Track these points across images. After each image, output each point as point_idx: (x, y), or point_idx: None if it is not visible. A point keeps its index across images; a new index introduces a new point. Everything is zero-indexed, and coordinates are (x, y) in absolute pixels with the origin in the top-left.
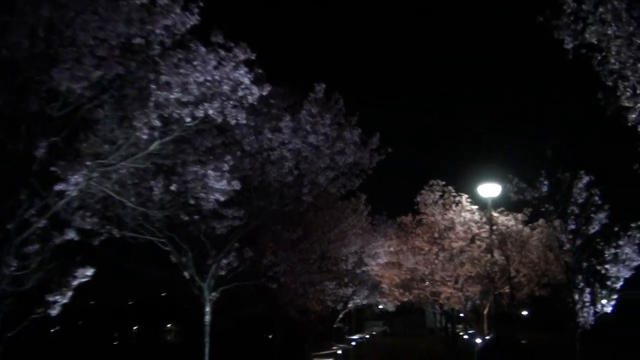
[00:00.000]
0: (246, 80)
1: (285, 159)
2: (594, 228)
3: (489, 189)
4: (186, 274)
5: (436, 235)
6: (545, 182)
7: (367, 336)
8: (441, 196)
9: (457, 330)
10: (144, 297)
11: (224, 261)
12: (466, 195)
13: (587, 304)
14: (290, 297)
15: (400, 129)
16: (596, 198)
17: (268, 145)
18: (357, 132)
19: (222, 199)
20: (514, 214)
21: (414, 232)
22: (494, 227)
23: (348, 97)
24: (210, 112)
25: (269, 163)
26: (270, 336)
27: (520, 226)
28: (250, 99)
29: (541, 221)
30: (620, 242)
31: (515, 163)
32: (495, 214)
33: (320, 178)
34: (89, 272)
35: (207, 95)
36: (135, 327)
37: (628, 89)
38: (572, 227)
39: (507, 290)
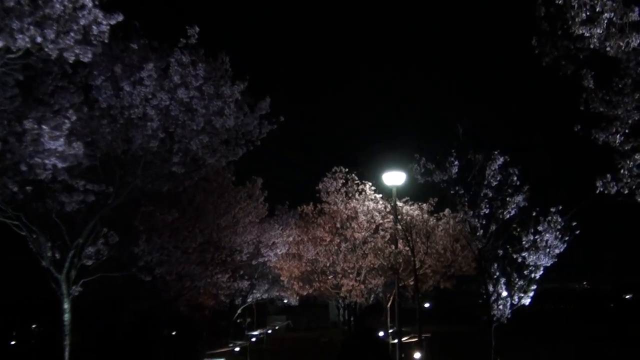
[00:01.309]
0: (87, 2)
1: (149, 119)
2: (509, 213)
3: (394, 177)
4: (44, 263)
5: (338, 225)
6: (456, 163)
7: (269, 331)
8: (344, 184)
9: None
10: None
11: (90, 249)
12: (370, 184)
13: (503, 295)
14: (176, 291)
15: (305, 114)
16: (514, 178)
17: (130, 103)
18: (238, 88)
19: (61, 165)
20: (419, 203)
21: (315, 222)
22: (399, 217)
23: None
24: (39, 39)
25: (133, 127)
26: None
27: (425, 216)
28: (96, 30)
29: (447, 211)
30: (540, 228)
31: (423, 142)
32: (399, 204)
33: (193, 144)
34: None
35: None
36: (34, 326)
37: (586, 10)
38: (486, 211)
39: (412, 283)
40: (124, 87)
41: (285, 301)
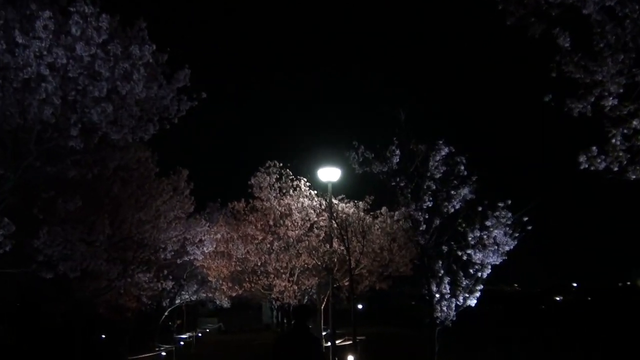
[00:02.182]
0: None
1: (44, 80)
2: (454, 207)
3: (329, 173)
4: None
5: (271, 222)
6: (397, 153)
7: (199, 334)
8: (278, 179)
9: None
10: None
11: None
12: (305, 180)
13: (447, 295)
14: (92, 292)
15: (241, 110)
16: (462, 167)
17: (24, 61)
18: (150, 48)
19: None
20: (355, 201)
21: (246, 220)
22: (334, 215)
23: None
24: None
25: (28, 91)
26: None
27: (361, 214)
28: None
29: (384, 209)
30: (488, 223)
31: (363, 134)
32: (335, 201)
33: (94, 113)
34: None
35: None
36: None
37: None
38: (429, 204)
39: (347, 283)
40: (16, 38)
41: (217, 303)
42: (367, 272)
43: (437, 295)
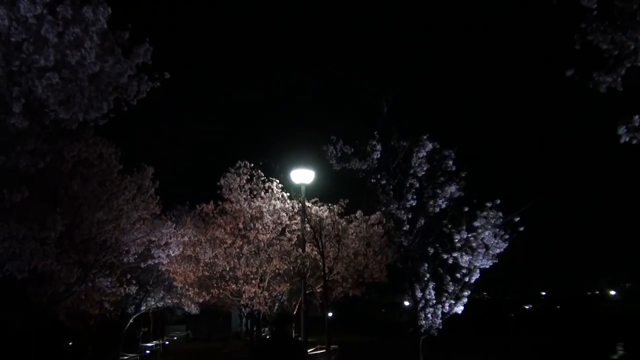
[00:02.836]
0: None
1: None
2: (439, 206)
3: (303, 175)
4: None
5: (241, 225)
6: (378, 148)
7: (167, 342)
8: (249, 180)
9: (263, 334)
10: None
11: None
12: (277, 181)
13: (432, 302)
14: (50, 297)
15: (212, 109)
16: (450, 162)
17: None
18: (105, 12)
19: None
20: (329, 204)
21: (215, 223)
22: (307, 218)
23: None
24: None
25: None
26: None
27: (336, 218)
28: None
29: (359, 213)
30: (476, 224)
31: (341, 125)
32: (308, 204)
33: (39, 85)
34: None
35: None
36: None
37: None
38: (413, 203)
39: (319, 290)
40: None
41: (186, 309)
42: (341, 278)
43: (422, 302)
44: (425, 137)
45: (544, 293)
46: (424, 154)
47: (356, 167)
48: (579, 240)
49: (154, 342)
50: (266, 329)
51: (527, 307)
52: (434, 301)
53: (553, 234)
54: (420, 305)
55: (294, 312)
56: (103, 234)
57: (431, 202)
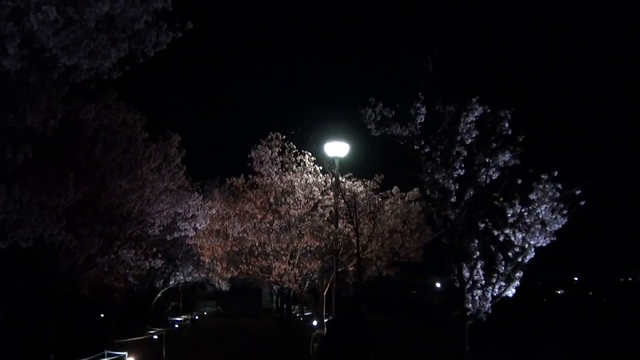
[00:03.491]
0: None
1: None
2: (490, 177)
3: (337, 148)
4: None
5: (272, 200)
6: (423, 111)
7: (196, 317)
8: (280, 153)
9: (294, 312)
10: None
11: None
12: (309, 154)
13: (481, 283)
14: (69, 269)
15: (242, 78)
16: (506, 125)
17: None
18: None
19: None
20: (364, 180)
21: (245, 197)
22: (341, 193)
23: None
24: None
25: None
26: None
27: (370, 193)
28: None
29: (395, 189)
30: (532, 197)
31: (380, 87)
32: (342, 179)
33: (33, 19)
34: None
35: None
36: None
37: None
38: (460, 172)
39: (352, 268)
40: None
41: (216, 286)
42: (375, 256)
43: (469, 283)
44: (474, 100)
45: (576, 279)
46: (473, 119)
47: (397, 132)
48: (613, 225)
49: (183, 316)
50: (296, 307)
51: (559, 292)
52: (483, 282)
53: (591, 217)
54: (468, 287)
55: (325, 291)
56: (126, 204)
57: (482, 171)
